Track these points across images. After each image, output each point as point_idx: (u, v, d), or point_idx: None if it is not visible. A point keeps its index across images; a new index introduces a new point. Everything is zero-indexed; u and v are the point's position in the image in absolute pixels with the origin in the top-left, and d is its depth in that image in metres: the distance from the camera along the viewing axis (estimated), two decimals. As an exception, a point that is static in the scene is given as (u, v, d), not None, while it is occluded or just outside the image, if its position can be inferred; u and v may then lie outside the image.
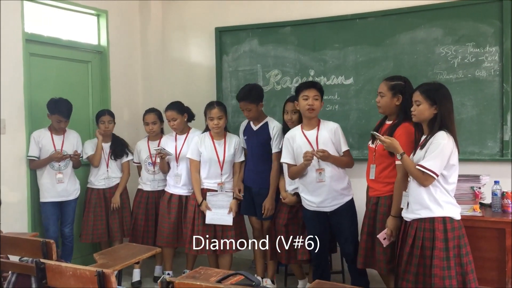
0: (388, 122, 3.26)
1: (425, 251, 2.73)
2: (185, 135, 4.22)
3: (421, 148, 2.79)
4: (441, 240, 2.69)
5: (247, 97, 3.83)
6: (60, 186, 4.13)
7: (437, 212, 2.73)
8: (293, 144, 3.51)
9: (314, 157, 3.35)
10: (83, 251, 4.53)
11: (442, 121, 2.73)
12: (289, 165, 3.57)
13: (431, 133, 2.76)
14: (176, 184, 4.17)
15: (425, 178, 2.71)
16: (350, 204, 3.48)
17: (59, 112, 4.06)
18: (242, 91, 3.90)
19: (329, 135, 3.44)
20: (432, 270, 2.68)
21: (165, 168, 4.23)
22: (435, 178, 2.71)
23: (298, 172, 3.50)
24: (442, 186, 2.74)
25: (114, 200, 4.33)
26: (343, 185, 3.45)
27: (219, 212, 3.86)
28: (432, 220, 2.73)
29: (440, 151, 2.67)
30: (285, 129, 3.78)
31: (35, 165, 4.11)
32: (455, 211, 2.76)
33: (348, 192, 3.49)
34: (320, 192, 3.44)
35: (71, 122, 4.22)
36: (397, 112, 3.18)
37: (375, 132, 3.05)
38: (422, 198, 2.76)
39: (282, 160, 3.60)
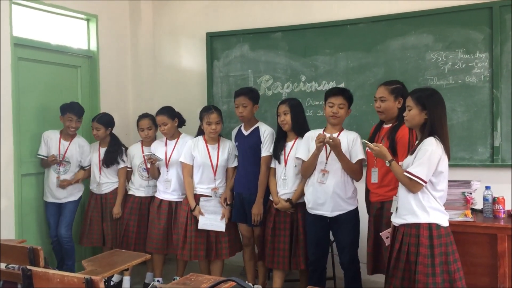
0: (387, 126, 3.28)
1: (410, 256, 2.72)
2: (175, 140, 4.18)
3: (411, 154, 2.79)
4: (426, 247, 2.68)
5: (247, 93, 3.87)
6: (58, 189, 4.20)
7: (423, 218, 2.72)
8: (311, 143, 3.47)
9: (322, 158, 3.38)
10: (86, 255, 4.44)
11: (432, 127, 2.72)
12: (303, 162, 3.51)
13: (421, 139, 2.76)
14: (166, 190, 4.12)
15: (413, 185, 2.71)
16: (353, 214, 3.43)
17: (70, 110, 4.18)
18: (242, 88, 3.99)
19: (347, 143, 3.39)
20: (416, 276, 2.68)
21: (155, 173, 4.19)
22: (423, 185, 2.70)
23: (310, 164, 3.44)
24: (430, 192, 2.73)
25: (115, 211, 4.29)
26: (346, 194, 3.39)
27: (212, 218, 3.82)
28: (417, 226, 2.72)
29: (427, 158, 2.66)
30: (280, 132, 3.75)
31: (43, 164, 4.26)
32: (442, 218, 2.75)
33: (351, 202, 3.43)
34: (320, 195, 3.41)
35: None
36: (397, 115, 3.22)
37: (365, 140, 3.07)
38: (409, 203, 2.75)
39: (297, 155, 3.55)
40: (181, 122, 4.26)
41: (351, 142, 3.40)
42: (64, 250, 4.27)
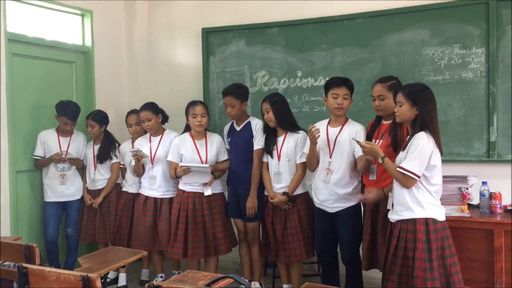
0: (386, 122, 3.26)
1: (407, 252, 2.72)
2: (159, 136, 4.16)
3: (403, 150, 2.79)
4: (423, 242, 2.68)
5: (233, 92, 3.85)
6: (62, 187, 4.22)
7: (419, 213, 2.72)
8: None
9: (326, 157, 3.39)
10: (82, 252, 4.46)
11: (423, 122, 2.73)
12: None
13: (412, 134, 2.76)
14: (151, 186, 4.10)
15: (407, 180, 2.71)
16: (354, 209, 3.42)
17: (65, 115, 4.15)
18: (229, 87, 3.97)
19: (349, 137, 3.37)
20: (414, 271, 2.68)
21: (140, 170, 4.14)
22: (416, 180, 2.70)
23: (309, 157, 3.45)
24: (424, 187, 2.73)
25: (95, 201, 4.29)
26: (346, 191, 3.38)
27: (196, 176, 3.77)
28: (414, 221, 2.72)
29: (419, 152, 2.66)
30: (267, 127, 3.74)
31: (39, 165, 4.23)
32: (438, 212, 2.75)
33: (352, 198, 3.40)
34: (323, 191, 3.44)
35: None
36: None
37: (355, 139, 3.06)
38: (404, 199, 2.76)
39: (304, 150, 3.54)
40: (165, 118, 4.24)
41: (354, 135, 3.34)
42: (69, 248, 4.34)
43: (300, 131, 3.65)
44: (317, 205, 3.53)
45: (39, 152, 4.19)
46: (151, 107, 4.12)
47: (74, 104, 4.25)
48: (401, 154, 2.79)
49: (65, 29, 4.69)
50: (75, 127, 4.33)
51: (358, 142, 2.97)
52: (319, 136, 3.29)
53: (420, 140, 2.68)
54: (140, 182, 4.26)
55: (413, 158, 2.67)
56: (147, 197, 4.12)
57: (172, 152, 3.93)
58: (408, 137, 2.83)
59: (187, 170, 3.74)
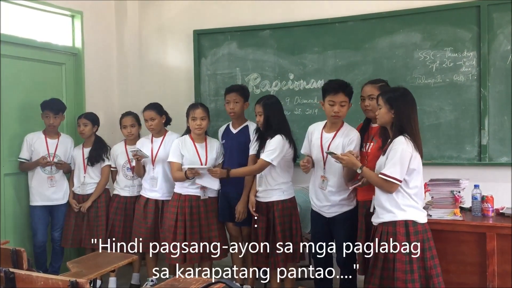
0: (375, 125, 3.25)
1: (388, 254, 2.74)
2: (161, 138, 4.13)
3: (383, 154, 2.81)
4: (403, 244, 2.70)
5: (238, 90, 3.88)
6: (50, 190, 4.14)
7: (399, 215, 2.74)
8: (311, 138, 3.49)
9: (320, 163, 3.39)
10: (72, 256, 4.38)
11: (401, 125, 2.75)
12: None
13: (392, 137, 2.79)
14: (152, 188, 4.06)
15: (390, 186, 2.73)
16: (350, 214, 3.40)
17: (48, 108, 4.11)
18: (233, 85, 4.02)
19: (342, 143, 3.33)
20: (395, 273, 2.70)
21: (140, 171, 4.11)
22: (399, 184, 2.72)
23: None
24: (403, 190, 2.75)
25: (83, 205, 4.23)
26: (343, 197, 3.38)
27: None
28: (394, 223, 2.75)
29: (399, 157, 2.69)
30: (258, 130, 3.71)
31: (24, 168, 4.15)
32: (418, 215, 2.77)
33: (348, 203, 3.40)
34: (320, 197, 3.44)
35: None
36: None
37: (332, 151, 3.04)
38: (385, 202, 2.78)
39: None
40: (168, 120, 4.21)
41: (348, 142, 3.31)
42: (55, 252, 4.25)
43: (276, 136, 3.52)
44: (314, 209, 3.51)
45: (24, 155, 4.11)
46: (156, 107, 4.10)
47: (59, 100, 4.23)
48: (381, 159, 2.81)
49: (55, 30, 4.64)
50: (59, 124, 4.24)
51: (333, 155, 2.96)
52: (308, 168, 3.39)
53: (399, 145, 2.70)
54: (133, 186, 4.22)
55: (393, 163, 2.70)
56: (148, 199, 4.07)
57: (173, 153, 3.85)
58: (389, 141, 2.84)
59: (196, 174, 3.69)
